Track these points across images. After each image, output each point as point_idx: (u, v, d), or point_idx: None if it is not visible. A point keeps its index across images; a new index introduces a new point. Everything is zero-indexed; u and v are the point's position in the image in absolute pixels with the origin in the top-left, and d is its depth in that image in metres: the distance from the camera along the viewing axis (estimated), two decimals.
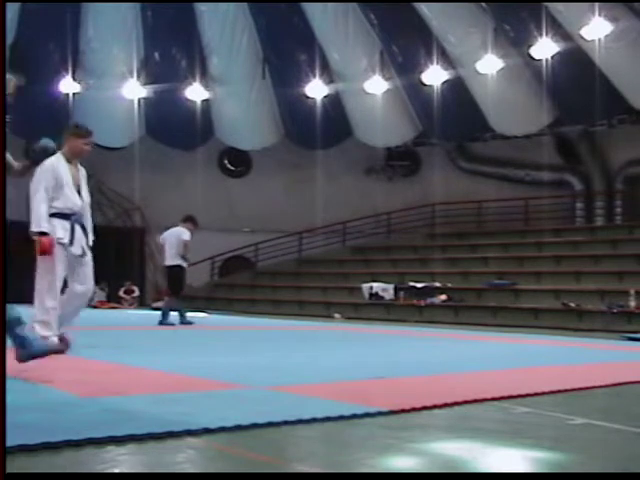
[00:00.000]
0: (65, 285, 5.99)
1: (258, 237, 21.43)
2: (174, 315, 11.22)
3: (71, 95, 19.00)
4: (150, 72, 19.54)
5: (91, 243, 6.10)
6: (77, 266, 5.94)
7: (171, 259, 11.24)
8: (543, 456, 2.73)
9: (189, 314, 11.72)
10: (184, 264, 11.35)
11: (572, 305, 13.95)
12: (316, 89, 19.59)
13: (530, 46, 16.73)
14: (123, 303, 20.03)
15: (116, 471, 2.31)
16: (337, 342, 9.24)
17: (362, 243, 21.00)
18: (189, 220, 11.47)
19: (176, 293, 11.41)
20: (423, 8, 17.56)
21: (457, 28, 17.91)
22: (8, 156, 4.50)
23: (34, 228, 5.68)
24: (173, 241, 11.23)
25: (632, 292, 13.08)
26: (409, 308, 16.14)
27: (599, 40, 15.47)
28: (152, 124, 20.03)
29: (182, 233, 11.18)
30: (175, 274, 11.32)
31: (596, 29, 15.39)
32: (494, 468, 2.54)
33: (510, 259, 17.04)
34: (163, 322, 11.15)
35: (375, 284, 17.03)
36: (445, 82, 18.39)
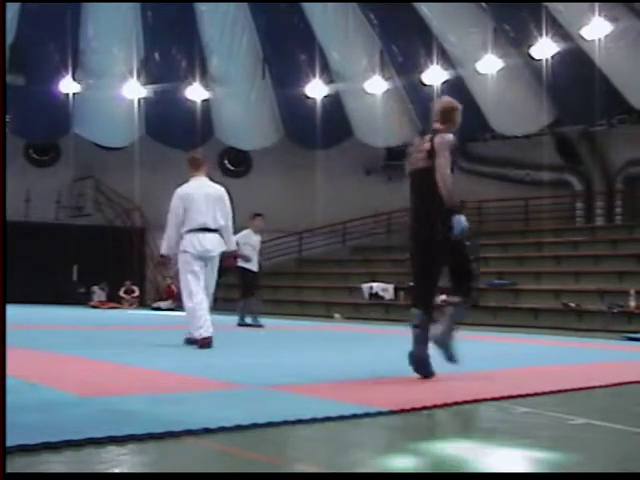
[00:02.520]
0: None
1: None
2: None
3: (71, 95, 18.97)
4: (150, 72, 19.52)
5: None
6: None
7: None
8: (543, 456, 2.73)
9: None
10: (245, 265, 11.33)
11: (572, 305, 13.94)
12: (316, 89, 19.57)
13: (530, 46, 16.70)
14: (123, 303, 20.02)
15: (116, 471, 2.31)
16: (337, 342, 9.24)
17: (362, 243, 20.99)
18: (251, 219, 11.73)
19: (242, 295, 11.68)
20: (423, 8, 17.55)
21: (457, 28, 17.89)
22: None
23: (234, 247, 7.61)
24: None
25: (632, 292, 13.07)
26: (409, 308, 16.11)
27: (599, 40, 15.44)
28: (152, 124, 20.00)
29: (239, 236, 10.91)
30: (239, 276, 11.62)
31: (596, 29, 15.36)
32: (494, 468, 2.54)
33: (510, 259, 17.02)
34: (241, 323, 11.48)
35: (375, 284, 17.02)
36: (445, 82, 18.35)
